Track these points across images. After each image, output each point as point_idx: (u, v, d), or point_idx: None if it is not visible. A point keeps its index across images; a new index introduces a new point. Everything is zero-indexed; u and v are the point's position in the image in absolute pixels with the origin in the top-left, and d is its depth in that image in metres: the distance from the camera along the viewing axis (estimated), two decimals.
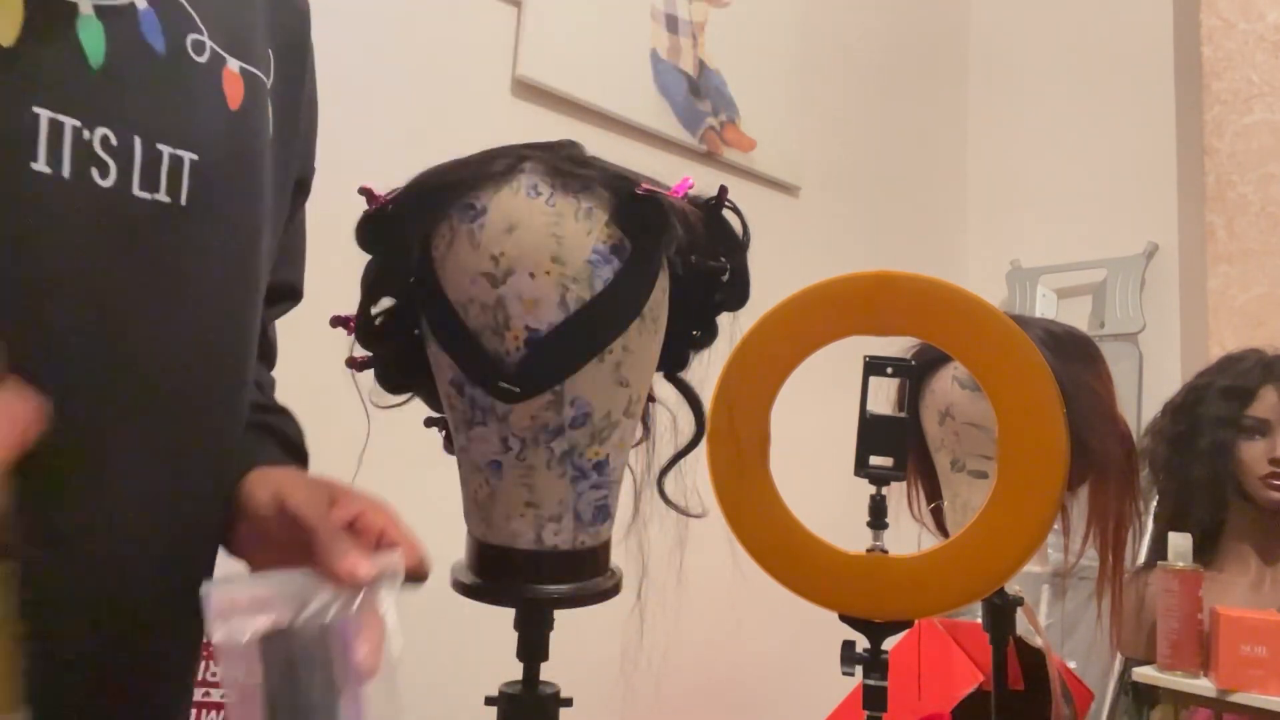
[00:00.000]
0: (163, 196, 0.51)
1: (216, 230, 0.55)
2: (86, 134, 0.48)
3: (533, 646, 0.69)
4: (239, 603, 0.51)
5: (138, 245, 0.50)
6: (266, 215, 0.61)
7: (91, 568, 0.51)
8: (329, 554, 0.51)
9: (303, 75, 0.67)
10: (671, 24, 1.93)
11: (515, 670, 0.69)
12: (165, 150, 0.51)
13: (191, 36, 0.53)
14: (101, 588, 0.51)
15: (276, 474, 0.61)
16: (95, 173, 0.48)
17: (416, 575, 0.54)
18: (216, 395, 0.58)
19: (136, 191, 0.50)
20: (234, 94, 0.56)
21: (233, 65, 0.56)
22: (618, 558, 0.74)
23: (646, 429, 0.76)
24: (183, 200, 0.52)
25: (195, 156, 0.53)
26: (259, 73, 0.59)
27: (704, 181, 0.69)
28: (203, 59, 0.54)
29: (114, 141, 0.49)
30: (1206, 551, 1.54)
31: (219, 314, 0.56)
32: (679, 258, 0.68)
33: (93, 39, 0.48)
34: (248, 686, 0.49)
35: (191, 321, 0.54)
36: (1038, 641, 1.21)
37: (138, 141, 0.50)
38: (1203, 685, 1.34)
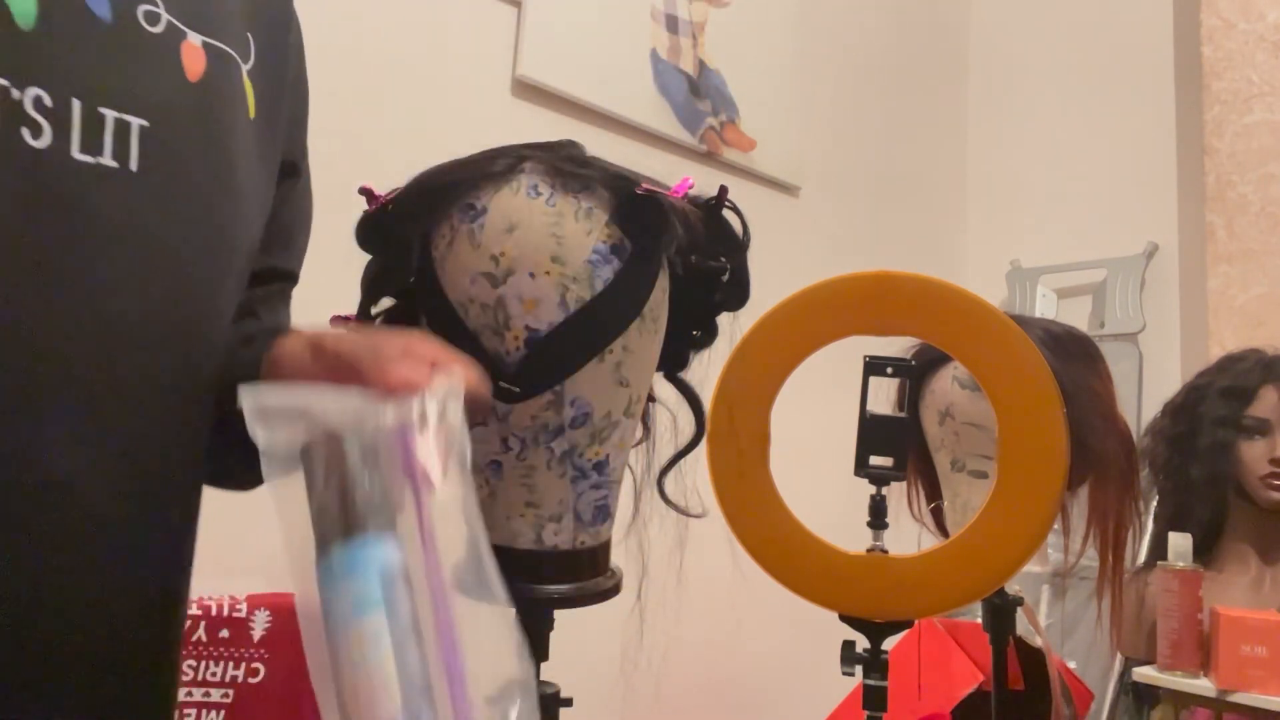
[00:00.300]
0: (108, 161, 0.49)
1: (176, 198, 0.53)
2: (15, 93, 0.46)
3: (533, 646, 0.69)
4: (282, 407, 0.46)
5: (75, 207, 0.48)
6: (242, 190, 0.59)
7: (25, 565, 0.48)
8: (381, 369, 0.47)
9: (285, 59, 0.66)
10: (671, 24, 1.93)
11: None
12: (109, 114, 0.49)
13: (143, 7, 0.52)
14: (37, 587, 0.48)
15: (308, 331, 0.57)
16: (26, 133, 0.47)
17: (477, 398, 0.49)
18: (168, 370, 0.54)
19: (76, 154, 0.48)
20: (194, 66, 0.55)
21: (194, 39, 0.55)
22: (618, 558, 0.74)
23: (646, 429, 0.76)
24: (133, 165, 0.50)
25: (146, 123, 0.51)
26: (229, 49, 0.58)
27: (704, 181, 0.69)
28: (157, 29, 0.53)
29: (48, 102, 0.47)
30: (1206, 551, 1.54)
31: (175, 283, 0.54)
32: (679, 258, 0.68)
33: (20, 1, 0.47)
34: (293, 496, 0.45)
35: (139, 289, 0.52)
36: (1038, 641, 1.21)
37: (76, 104, 0.48)
38: (1203, 685, 1.34)
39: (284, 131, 0.66)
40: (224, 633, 1.16)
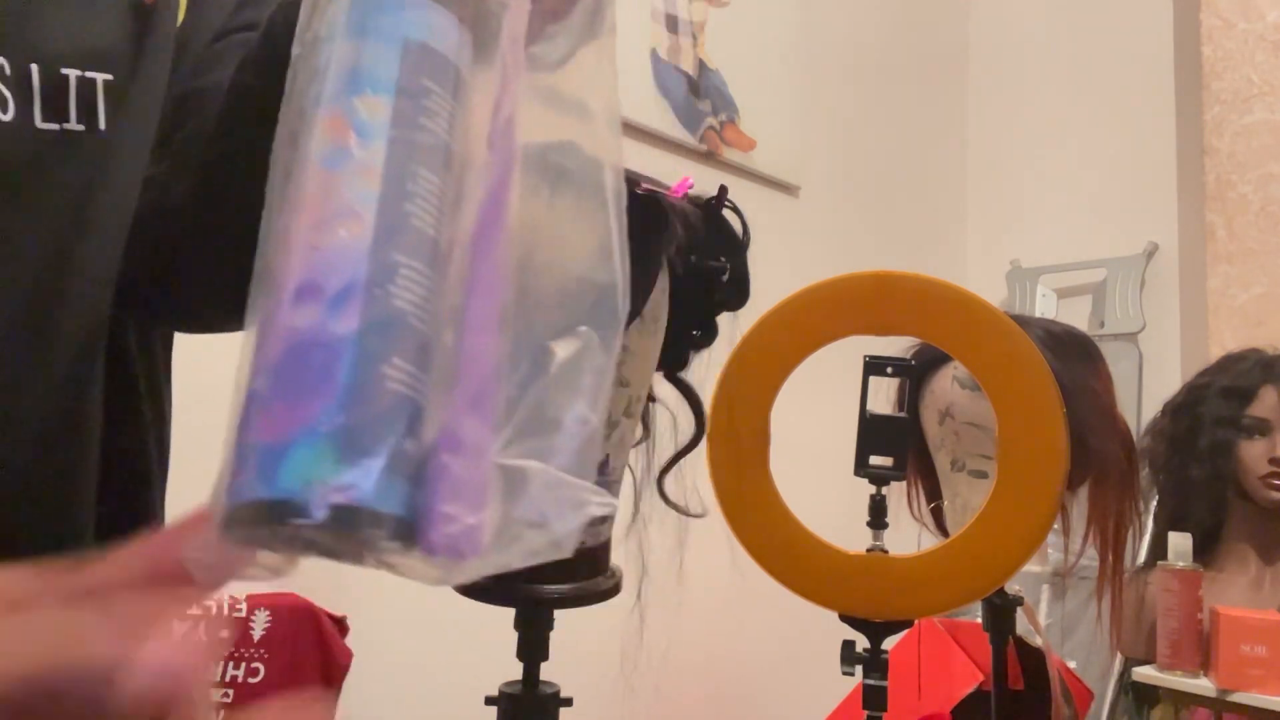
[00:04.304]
0: (74, 125, 0.45)
1: (132, 156, 0.48)
2: None
3: (533, 646, 0.69)
4: None
5: (41, 182, 0.44)
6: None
7: None
8: None
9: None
10: (671, 24, 1.93)
11: (515, 670, 0.69)
12: (71, 74, 0.45)
13: None
14: None
15: None
16: None
17: None
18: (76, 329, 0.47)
19: (40, 124, 0.44)
20: None
21: None
22: (618, 558, 0.74)
23: (646, 429, 0.76)
24: (101, 126, 0.45)
25: (109, 76, 0.46)
26: None
27: (704, 181, 0.69)
28: None
29: (7, 70, 0.43)
30: (1206, 551, 1.54)
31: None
32: (679, 257, 0.68)
33: None
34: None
35: (100, 263, 0.46)
36: (1038, 641, 1.21)
37: (34, 69, 0.44)
38: (1203, 685, 1.34)
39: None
40: (224, 633, 1.16)
